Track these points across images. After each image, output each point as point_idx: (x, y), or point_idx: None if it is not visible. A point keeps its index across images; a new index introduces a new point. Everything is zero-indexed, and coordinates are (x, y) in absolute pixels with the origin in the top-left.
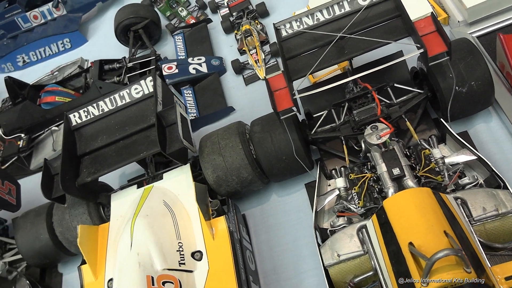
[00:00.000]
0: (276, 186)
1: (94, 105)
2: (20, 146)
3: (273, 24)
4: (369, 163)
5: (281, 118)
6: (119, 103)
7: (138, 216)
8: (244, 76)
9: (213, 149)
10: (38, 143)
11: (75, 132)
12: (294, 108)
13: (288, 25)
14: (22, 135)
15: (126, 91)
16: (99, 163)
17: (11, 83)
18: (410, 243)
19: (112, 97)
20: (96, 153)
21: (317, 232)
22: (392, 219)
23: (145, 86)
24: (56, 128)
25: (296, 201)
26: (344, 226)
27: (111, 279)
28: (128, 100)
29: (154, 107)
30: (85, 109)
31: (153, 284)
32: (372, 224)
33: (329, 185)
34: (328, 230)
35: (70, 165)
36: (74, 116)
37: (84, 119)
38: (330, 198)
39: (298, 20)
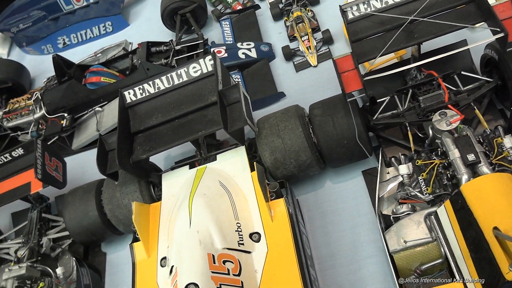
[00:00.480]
0: (331, 173)
1: (150, 82)
2: (63, 125)
3: (339, 6)
4: (438, 150)
5: (348, 100)
6: (176, 82)
7: (195, 195)
8: (295, 62)
9: (271, 131)
10: (80, 123)
11: (128, 110)
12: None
13: (355, 7)
14: (65, 114)
15: (184, 70)
16: (154, 141)
17: (58, 61)
18: (495, 228)
19: (169, 75)
20: (150, 131)
21: (380, 218)
22: (472, 204)
23: (204, 65)
24: (100, 109)
25: (353, 188)
26: (409, 213)
27: (164, 258)
28: (185, 78)
29: (215, 85)
30: (141, 86)
31: (214, 263)
32: (444, 210)
33: (388, 173)
34: (391, 217)
35: (125, 142)
36: (129, 93)
37: (139, 96)
38: (392, 184)
39: (366, 2)
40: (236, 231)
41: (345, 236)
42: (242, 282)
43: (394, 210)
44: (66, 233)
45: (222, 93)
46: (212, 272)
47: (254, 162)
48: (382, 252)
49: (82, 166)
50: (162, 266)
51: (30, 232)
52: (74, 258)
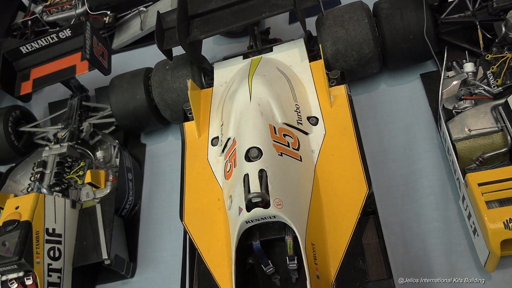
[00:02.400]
0: (386, 76)
1: None
2: (106, 22)
3: None
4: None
5: None
6: None
7: (255, 75)
8: None
9: (335, 21)
10: (122, 23)
11: None
12: None
13: None
14: (108, 12)
15: None
16: (212, 24)
17: None
18: None
19: None
20: (208, 16)
21: (442, 109)
22: None
23: None
24: (144, 9)
25: (409, 91)
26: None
27: (215, 137)
28: None
29: None
30: None
31: (275, 133)
32: None
33: (448, 77)
34: (453, 111)
35: (183, 22)
36: None
37: None
38: (457, 81)
39: None
40: (295, 111)
41: (398, 134)
42: (300, 157)
43: (456, 106)
44: (107, 120)
45: None
46: (274, 140)
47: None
48: (438, 148)
49: (122, 65)
50: (213, 145)
51: (70, 117)
52: (116, 141)
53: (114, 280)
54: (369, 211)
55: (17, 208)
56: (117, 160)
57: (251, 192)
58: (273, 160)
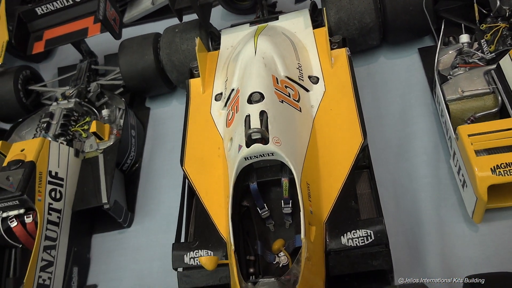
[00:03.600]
0: (385, 50)
1: None
2: None
3: None
4: (505, 14)
5: None
6: None
7: (260, 35)
8: None
9: None
10: None
11: None
12: None
13: None
14: None
15: None
16: None
17: None
18: None
19: None
20: None
21: (437, 74)
22: None
23: None
24: None
25: (406, 63)
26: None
27: (219, 94)
28: None
29: None
30: None
31: (277, 83)
32: (509, 59)
33: (444, 47)
34: (447, 76)
35: None
36: None
37: None
38: (453, 50)
39: None
40: (297, 68)
41: (394, 101)
42: (300, 108)
43: (451, 73)
44: (115, 82)
45: None
46: (275, 89)
47: None
48: (432, 113)
49: None
50: (216, 100)
51: (78, 78)
52: (122, 99)
53: (110, 230)
54: (363, 165)
55: (22, 150)
56: (122, 121)
57: (251, 128)
58: (274, 104)
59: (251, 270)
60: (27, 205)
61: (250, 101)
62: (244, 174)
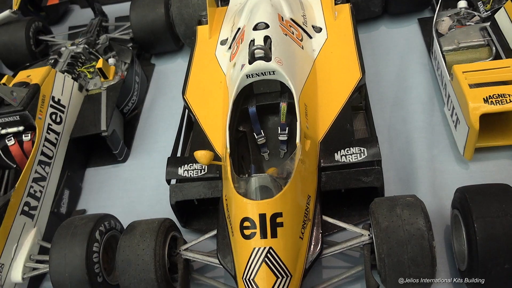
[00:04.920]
0: (386, 20)
1: None
2: None
3: None
4: None
5: None
6: None
7: None
8: None
9: None
10: None
11: None
12: None
13: None
14: None
15: None
16: None
17: None
18: None
19: None
20: None
21: (435, 32)
22: None
23: None
24: None
25: (406, 32)
26: None
27: (225, 39)
28: None
29: None
30: None
31: (282, 20)
32: (504, 12)
33: (443, 20)
34: (445, 34)
35: None
36: None
37: None
38: (451, 13)
39: None
40: (302, 15)
41: (393, 62)
42: (303, 47)
43: (448, 33)
44: (123, 37)
45: None
46: (280, 24)
47: None
48: (428, 71)
49: None
50: (221, 44)
51: (89, 31)
52: (130, 48)
53: (105, 164)
54: (360, 107)
55: (28, 76)
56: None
57: (255, 45)
58: (278, 34)
59: None
60: (27, 122)
61: (255, 28)
62: (244, 99)
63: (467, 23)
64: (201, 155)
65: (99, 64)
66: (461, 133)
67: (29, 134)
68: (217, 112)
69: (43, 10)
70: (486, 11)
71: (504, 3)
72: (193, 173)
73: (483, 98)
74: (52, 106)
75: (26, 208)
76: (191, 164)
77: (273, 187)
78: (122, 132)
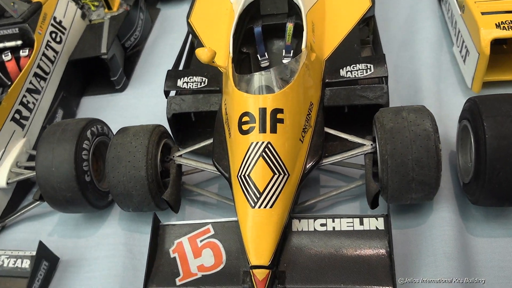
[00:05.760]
0: None
1: None
2: None
3: None
4: None
5: None
6: None
7: None
8: None
9: None
10: None
11: None
12: None
13: None
14: None
15: None
16: None
17: None
18: None
19: None
20: None
21: None
22: None
23: None
24: None
25: None
26: None
27: None
28: None
29: None
30: None
31: None
32: None
33: None
34: None
35: None
36: None
37: None
38: None
39: None
40: None
41: (403, 9)
42: None
43: None
44: None
45: None
46: None
47: None
48: (438, 17)
49: None
50: None
51: None
52: None
53: (102, 93)
54: (367, 41)
55: None
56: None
57: None
58: None
59: None
60: (26, 37)
61: None
62: (250, 19)
63: None
64: (202, 51)
65: None
66: (470, 65)
67: (27, 50)
68: (221, 37)
69: None
70: None
71: None
72: (192, 85)
73: (495, 24)
74: (53, 26)
75: (17, 116)
76: (191, 77)
77: (275, 86)
78: (122, 63)
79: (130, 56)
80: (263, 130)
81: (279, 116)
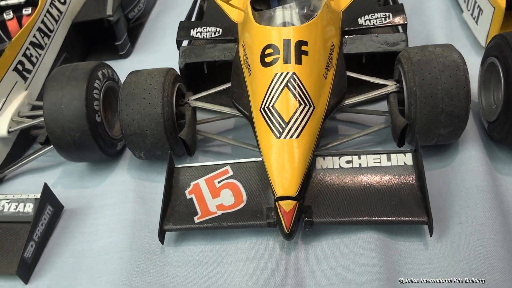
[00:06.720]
0: None
1: None
2: None
3: None
4: None
5: None
6: None
7: None
8: None
9: None
10: None
11: None
12: None
13: None
14: None
15: None
16: None
17: None
18: None
19: None
20: None
21: None
22: None
23: None
24: None
25: None
26: None
27: None
28: None
29: None
30: None
31: None
32: None
33: None
34: None
35: None
36: None
37: None
38: None
39: None
40: None
41: None
42: None
43: None
44: None
45: None
46: None
47: None
48: None
49: None
50: None
51: None
52: None
53: (106, 59)
54: (378, 4)
55: None
56: None
57: None
58: None
59: None
60: None
61: None
62: None
63: None
64: None
65: None
66: (484, 23)
67: (30, 9)
68: None
69: None
70: None
71: None
72: (206, 35)
73: None
74: None
75: (19, 67)
76: (205, 27)
77: (298, 20)
78: (126, 28)
79: (133, 28)
80: (287, 61)
81: (304, 48)
